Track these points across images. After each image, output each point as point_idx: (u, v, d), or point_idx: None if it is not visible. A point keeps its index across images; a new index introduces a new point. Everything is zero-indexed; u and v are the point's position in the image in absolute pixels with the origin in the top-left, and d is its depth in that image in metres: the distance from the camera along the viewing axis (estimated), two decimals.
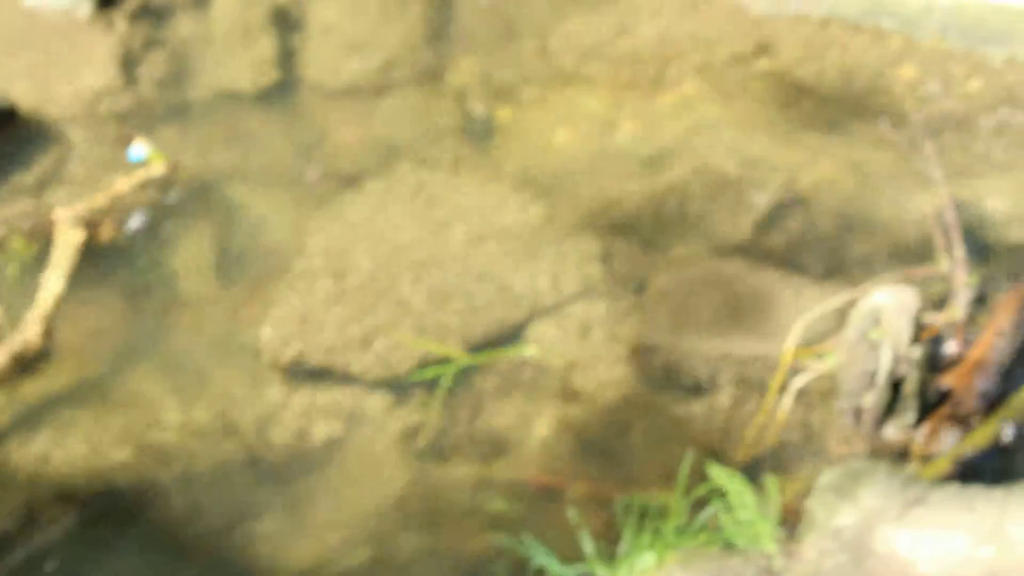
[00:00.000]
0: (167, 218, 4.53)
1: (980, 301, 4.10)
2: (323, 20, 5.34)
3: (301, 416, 3.97)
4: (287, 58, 5.20)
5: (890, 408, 3.80)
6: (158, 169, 4.56)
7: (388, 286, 4.27)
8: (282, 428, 3.94)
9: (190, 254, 4.46)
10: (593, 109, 4.94)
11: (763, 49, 5.07)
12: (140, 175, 4.53)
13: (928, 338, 3.93)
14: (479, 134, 4.85)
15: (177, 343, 4.20)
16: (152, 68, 5.07)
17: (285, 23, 5.34)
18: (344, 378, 4.05)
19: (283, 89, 5.08)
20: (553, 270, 4.30)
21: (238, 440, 3.92)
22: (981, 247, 4.31)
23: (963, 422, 3.81)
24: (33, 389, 4.02)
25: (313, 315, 4.17)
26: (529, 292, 4.25)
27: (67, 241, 4.30)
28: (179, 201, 4.61)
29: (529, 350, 4.10)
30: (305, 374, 4.05)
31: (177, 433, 3.94)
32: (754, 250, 4.37)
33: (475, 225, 4.46)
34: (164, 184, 4.60)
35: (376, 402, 4.00)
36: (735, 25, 5.14)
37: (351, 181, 4.67)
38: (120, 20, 5.20)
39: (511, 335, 4.17)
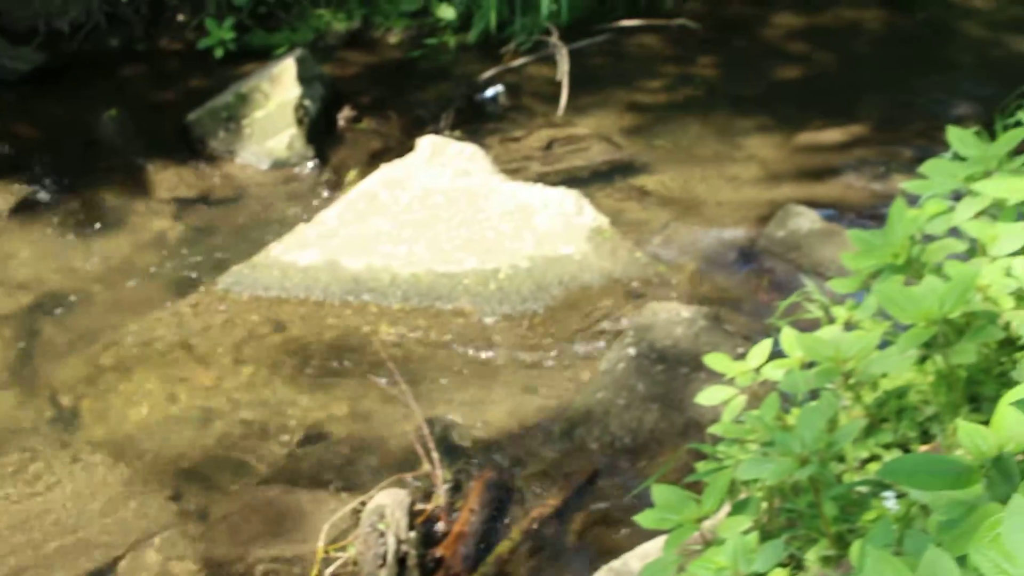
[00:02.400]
0: None
1: (456, 489, 4.38)
2: None
3: None
4: None
5: None
6: None
7: (7, 552, 4.24)
8: None
9: None
10: (154, 387, 5.02)
11: (278, 326, 5.32)
12: None
13: (422, 522, 4.20)
14: (68, 420, 4.87)
15: None
16: None
17: None
18: None
19: None
20: (135, 515, 4.37)
21: None
22: (454, 449, 4.60)
23: None
24: None
25: None
26: (118, 537, 4.29)
27: None
28: None
29: None
30: None
31: None
32: (288, 476, 4.54)
33: (71, 492, 4.48)
34: None
35: None
36: (255, 311, 5.39)
37: None
38: None
39: (108, 573, 4.20)
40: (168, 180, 6.58)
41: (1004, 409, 2.16)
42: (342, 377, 5.08)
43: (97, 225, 6.17)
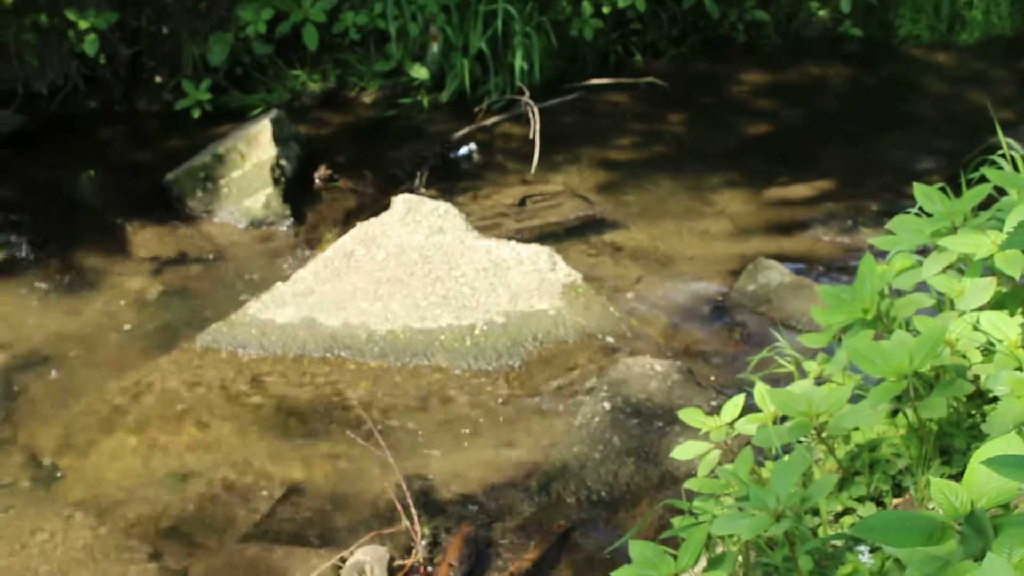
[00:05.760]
0: None
1: (435, 544, 4.36)
2: None
3: None
4: None
5: None
6: None
7: None
8: None
9: None
10: (135, 445, 4.98)
11: (256, 384, 5.29)
12: None
13: None
14: (48, 479, 4.83)
15: None
16: None
17: None
18: None
19: None
20: (116, 574, 4.31)
21: None
22: (432, 504, 4.57)
23: None
24: None
25: None
26: None
27: None
28: None
29: None
30: None
31: None
32: (268, 533, 4.50)
33: (52, 551, 4.43)
34: None
35: None
36: (233, 368, 5.36)
37: None
38: None
39: None
40: (146, 240, 6.57)
41: (976, 465, 2.16)
42: (320, 434, 5.04)
43: (76, 285, 6.15)
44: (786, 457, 3.05)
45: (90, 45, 7.58)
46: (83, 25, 7.54)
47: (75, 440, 5.06)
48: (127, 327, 5.83)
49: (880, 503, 3.23)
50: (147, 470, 4.89)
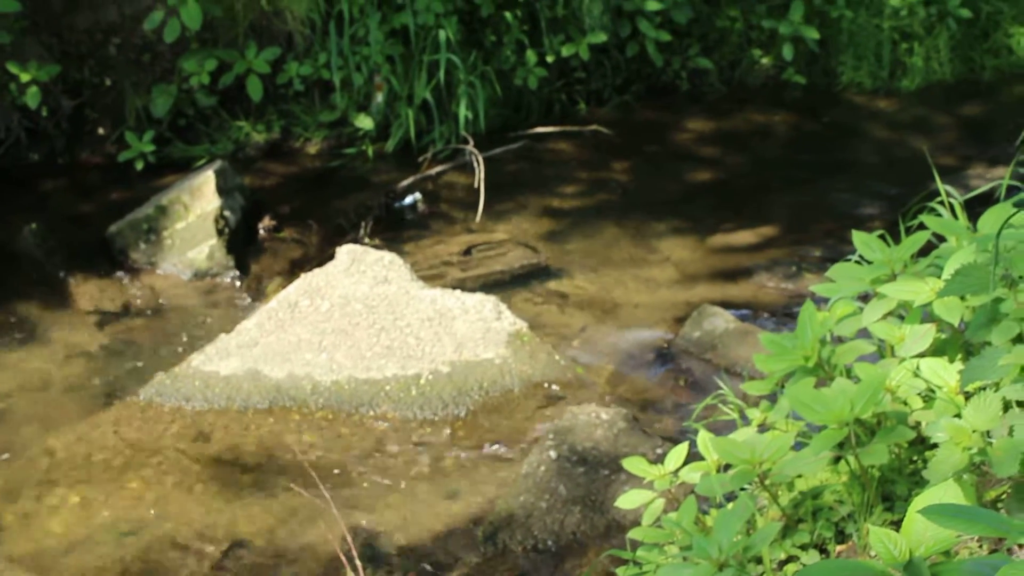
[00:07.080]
0: None
1: None
2: None
3: None
4: None
5: None
6: None
7: None
8: None
9: None
10: (77, 501, 4.91)
11: (200, 436, 5.23)
12: None
13: None
14: None
15: None
16: None
17: None
18: None
19: None
20: None
21: None
22: (377, 556, 4.54)
23: None
24: None
25: None
26: None
27: None
28: None
29: None
30: None
31: None
32: None
33: None
34: None
35: None
36: (177, 421, 5.31)
37: None
38: None
39: None
40: (90, 292, 6.51)
41: (914, 513, 2.17)
42: (265, 486, 5.00)
43: (18, 338, 6.08)
44: (729, 505, 3.06)
45: (32, 98, 7.53)
46: (25, 78, 7.50)
47: (16, 495, 4.99)
48: (70, 380, 5.77)
49: (823, 550, 3.24)
50: (90, 525, 4.82)
